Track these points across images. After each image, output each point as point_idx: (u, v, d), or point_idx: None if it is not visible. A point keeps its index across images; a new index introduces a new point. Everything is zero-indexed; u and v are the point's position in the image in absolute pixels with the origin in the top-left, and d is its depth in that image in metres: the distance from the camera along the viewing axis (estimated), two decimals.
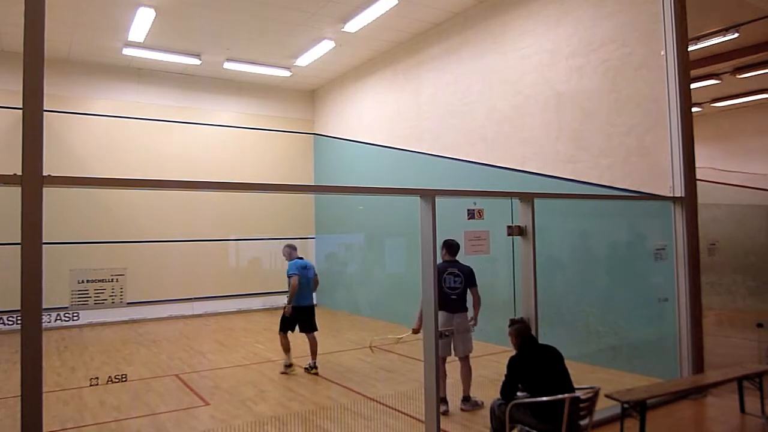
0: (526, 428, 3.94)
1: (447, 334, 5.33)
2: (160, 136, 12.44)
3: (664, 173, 6.18)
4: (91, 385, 6.61)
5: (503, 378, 4.02)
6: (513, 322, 4.36)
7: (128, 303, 3.35)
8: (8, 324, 10.10)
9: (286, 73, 12.53)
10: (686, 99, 6.07)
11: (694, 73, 7.53)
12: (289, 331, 7.18)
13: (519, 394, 4.04)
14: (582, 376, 4.70)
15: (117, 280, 3.27)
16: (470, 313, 5.62)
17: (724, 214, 9.84)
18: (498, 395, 4.05)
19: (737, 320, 9.59)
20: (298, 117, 14.26)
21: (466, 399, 5.55)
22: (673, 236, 6.04)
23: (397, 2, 8.75)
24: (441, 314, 5.18)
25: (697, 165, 6.15)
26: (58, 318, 10.66)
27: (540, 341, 4.37)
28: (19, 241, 2.69)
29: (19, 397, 2.67)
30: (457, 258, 5.60)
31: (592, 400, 3.86)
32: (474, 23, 9.17)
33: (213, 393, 6.36)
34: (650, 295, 6.59)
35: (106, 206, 11.59)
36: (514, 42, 8.38)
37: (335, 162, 13.48)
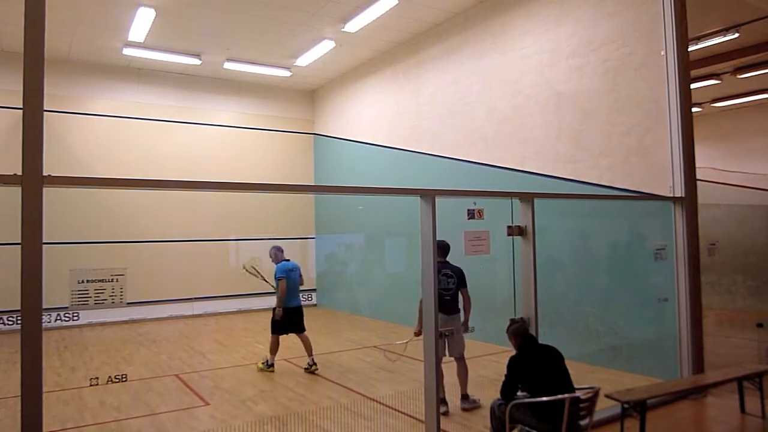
0: (526, 428, 3.94)
1: (447, 334, 5.34)
2: (160, 136, 12.44)
3: (664, 173, 6.18)
4: (91, 385, 6.61)
5: (503, 378, 4.02)
6: (513, 322, 4.36)
7: (128, 303, 3.35)
8: (8, 324, 10.10)
9: (286, 73, 12.53)
10: (686, 99, 6.07)
11: (694, 73, 7.53)
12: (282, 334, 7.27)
13: (519, 394, 4.04)
14: (582, 376, 4.70)
15: (117, 280, 3.27)
16: (462, 316, 5.63)
17: (724, 214, 9.84)
18: (498, 395, 4.05)
19: (737, 320, 9.59)
20: (298, 117, 14.26)
21: (465, 397, 5.57)
22: (673, 236, 6.04)
23: (397, 2, 8.75)
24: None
25: (697, 165, 6.15)
26: (58, 318, 10.67)
27: (540, 341, 4.36)
28: (19, 241, 2.69)
29: (19, 397, 2.67)
30: (448, 259, 5.62)
31: (592, 400, 3.86)
32: (474, 23, 9.17)
33: (213, 393, 6.36)
34: (650, 295, 6.59)
35: (106, 206, 11.59)
36: (514, 42, 8.38)
37: (335, 162, 13.48)
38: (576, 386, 3.96)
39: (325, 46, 10.76)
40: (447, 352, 5.50)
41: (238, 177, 12.04)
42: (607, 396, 4.32)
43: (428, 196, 4.21)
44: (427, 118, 10.26)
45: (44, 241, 2.73)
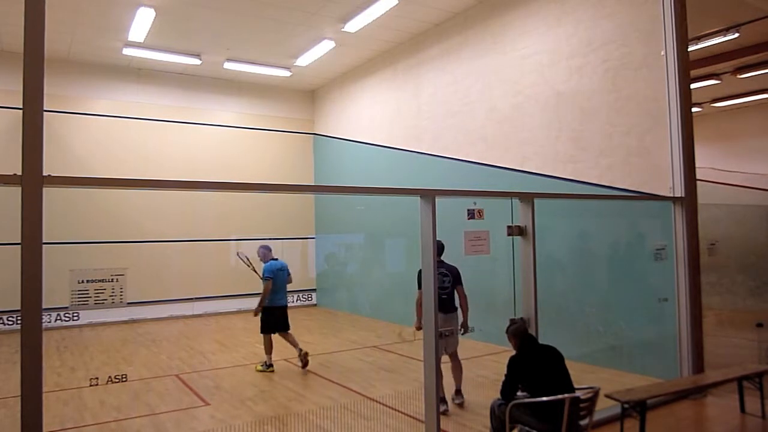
0: (526, 428, 3.94)
1: (447, 334, 5.34)
2: (160, 136, 12.44)
3: (664, 173, 6.18)
4: (91, 385, 6.61)
5: (503, 378, 4.02)
6: (512, 322, 4.36)
7: (128, 303, 3.35)
8: (8, 324, 10.10)
9: (286, 73, 12.53)
10: (686, 99, 6.07)
11: (694, 73, 7.52)
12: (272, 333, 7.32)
13: (519, 394, 4.04)
14: (582, 376, 4.70)
15: (117, 280, 3.27)
16: (460, 316, 5.66)
17: (724, 214, 9.84)
18: (498, 395, 4.05)
19: (737, 320, 9.59)
20: (298, 117, 14.26)
21: (458, 392, 5.62)
22: (673, 236, 6.04)
23: (397, 2, 8.75)
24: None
25: (697, 165, 6.15)
26: (58, 318, 10.67)
27: (540, 341, 4.36)
28: (19, 241, 2.69)
29: (19, 397, 2.67)
30: (443, 258, 5.65)
31: (592, 400, 3.86)
32: (474, 23, 9.17)
33: (213, 393, 6.36)
34: (650, 295, 6.59)
35: (106, 206, 11.59)
36: (514, 42, 8.38)
37: (335, 162, 13.48)
38: (576, 386, 3.96)
39: (325, 46, 10.76)
40: (443, 350, 5.52)
41: (238, 177, 12.04)
42: (607, 396, 4.32)
43: (428, 196, 4.21)
44: (427, 118, 10.26)
45: (44, 241, 2.73)
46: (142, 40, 10.34)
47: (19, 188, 2.70)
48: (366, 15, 9.20)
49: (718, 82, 12.14)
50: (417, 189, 4.28)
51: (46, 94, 2.76)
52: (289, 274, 7.54)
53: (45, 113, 2.78)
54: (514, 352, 4.17)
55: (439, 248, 5.60)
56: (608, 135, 6.98)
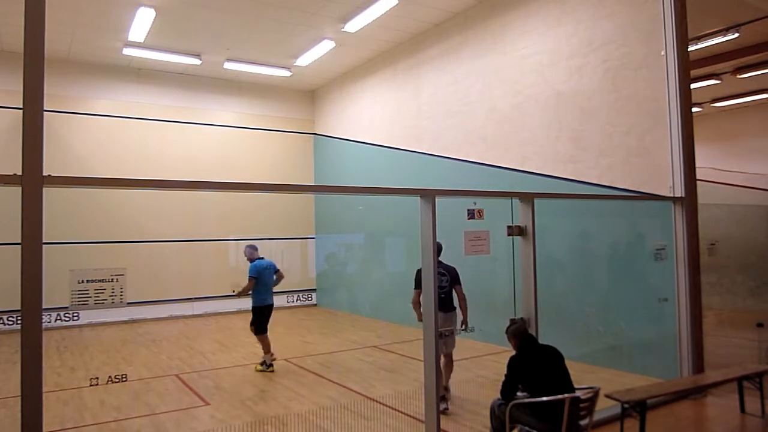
0: (526, 428, 3.94)
1: (446, 334, 5.34)
2: (161, 136, 12.44)
3: (664, 173, 6.18)
4: (91, 385, 6.61)
5: (503, 378, 4.02)
6: (512, 322, 4.36)
7: (128, 303, 3.35)
8: (8, 324, 10.10)
9: (286, 73, 12.53)
10: (686, 99, 6.07)
11: (694, 73, 7.53)
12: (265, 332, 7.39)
13: (519, 394, 4.04)
14: (582, 376, 4.70)
15: (117, 280, 3.27)
16: (459, 315, 5.68)
17: (724, 214, 9.85)
18: (498, 395, 4.05)
19: (737, 320, 9.59)
20: (298, 117, 14.26)
21: (446, 389, 5.63)
22: (673, 236, 6.04)
23: (397, 2, 8.75)
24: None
25: (697, 165, 6.15)
26: (58, 318, 10.67)
27: (540, 341, 4.36)
28: (19, 241, 2.69)
29: (19, 397, 2.67)
30: (441, 258, 5.65)
31: (592, 400, 3.86)
32: (474, 23, 9.17)
33: (213, 393, 6.36)
34: (650, 295, 6.59)
35: (106, 206, 11.59)
36: (514, 42, 8.38)
37: (335, 162, 13.48)
38: (576, 386, 3.96)
39: (325, 46, 10.76)
40: (442, 349, 5.54)
41: (238, 177, 12.04)
42: (607, 396, 4.32)
43: (428, 196, 4.21)
44: (427, 118, 10.26)
45: (44, 241, 2.73)
46: (142, 40, 10.34)
47: (19, 188, 2.70)
48: (366, 15, 9.20)
49: (718, 82, 12.14)
50: (417, 189, 4.28)
51: (46, 94, 2.76)
52: (277, 271, 7.56)
53: (45, 113, 2.78)
54: (514, 352, 4.17)
55: (437, 248, 5.61)
56: (608, 135, 6.98)
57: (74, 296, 3.16)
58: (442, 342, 5.45)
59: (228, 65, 11.97)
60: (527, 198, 4.90)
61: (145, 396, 6.28)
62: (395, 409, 5.63)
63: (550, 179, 7.70)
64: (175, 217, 12.11)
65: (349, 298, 12.89)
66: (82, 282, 3.18)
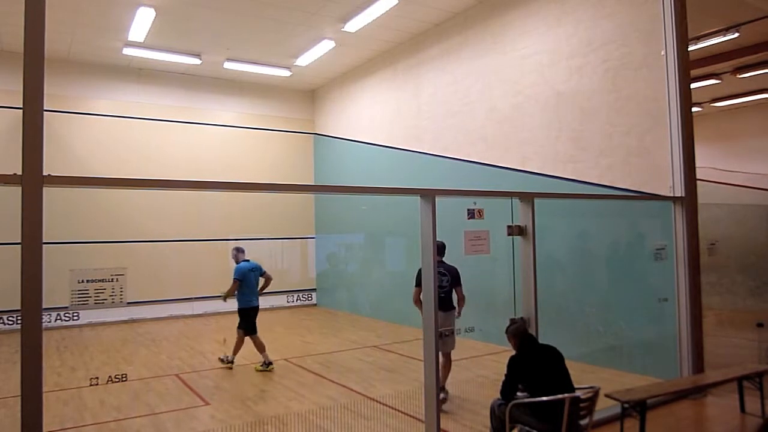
0: (526, 428, 3.94)
1: (447, 334, 5.34)
2: (161, 136, 12.44)
3: (664, 173, 6.18)
4: (91, 385, 6.61)
5: (503, 378, 4.02)
6: (512, 322, 4.36)
7: (128, 303, 3.35)
8: (8, 324, 10.10)
9: (286, 73, 12.53)
10: (686, 99, 6.07)
11: (694, 73, 7.52)
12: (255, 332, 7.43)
13: (519, 394, 4.04)
14: (582, 376, 4.70)
15: (117, 280, 3.27)
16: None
17: (724, 214, 9.85)
18: (498, 395, 4.05)
19: (737, 320, 9.60)
20: (298, 117, 14.26)
21: (443, 389, 5.64)
22: (673, 236, 6.03)
23: (397, 2, 8.75)
24: None
25: (697, 165, 6.15)
26: (58, 318, 10.66)
27: (540, 341, 4.36)
28: (19, 241, 2.69)
29: (19, 397, 2.67)
30: (444, 258, 5.70)
31: (592, 399, 3.86)
32: (474, 23, 9.17)
33: (213, 393, 6.36)
34: (650, 295, 6.58)
35: (106, 206, 11.59)
36: (514, 42, 8.38)
37: (335, 162, 13.48)
38: (576, 386, 3.96)
39: (325, 46, 10.76)
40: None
41: (239, 177, 12.04)
42: (607, 396, 4.32)
43: (428, 196, 4.21)
44: (427, 118, 10.26)
45: (44, 241, 2.73)
46: (142, 40, 10.34)
47: (19, 188, 2.70)
48: (366, 15, 9.20)
49: (718, 82, 12.14)
50: (417, 189, 4.28)
51: (46, 94, 2.76)
52: (264, 274, 7.59)
53: (45, 113, 2.78)
54: (514, 352, 4.17)
55: (441, 248, 5.64)
56: (608, 135, 6.98)
57: (74, 296, 3.16)
58: (441, 342, 5.46)
59: (228, 65, 11.97)
60: (527, 198, 4.90)
61: (145, 396, 6.28)
62: (395, 409, 5.63)
63: (550, 179, 7.70)
64: (175, 217, 12.11)
65: (349, 297, 12.90)
66: (82, 282, 3.19)
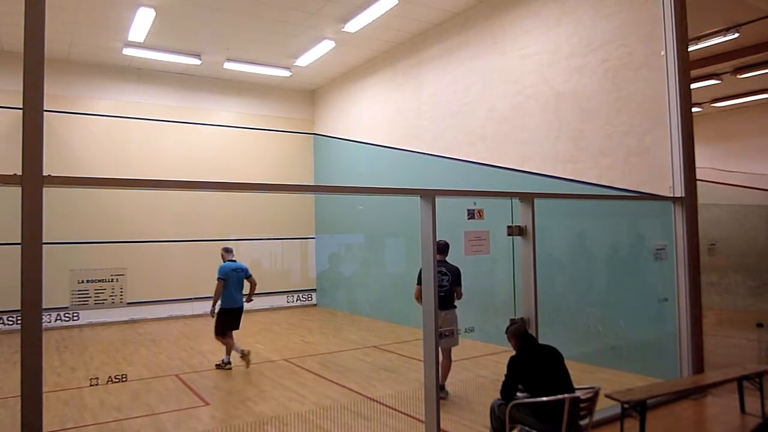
0: (526, 428, 3.94)
1: (447, 334, 5.34)
2: (161, 136, 12.44)
3: (664, 173, 6.18)
4: (91, 385, 6.61)
5: (503, 378, 4.02)
6: (512, 322, 4.36)
7: (128, 303, 3.35)
8: (8, 324, 10.10)
9: (286, 73, 12.53)
10: (686, 99, 6.07)
11: (694, 73, 7.52)
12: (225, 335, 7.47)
13: (519, 394, 4.04)
14: (582, 376, 4.70)
15: (117, 280, 3.27)
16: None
17: (724, 214, 9.85)
18: (498, 395, 4.05)
19: (737, 320, 9.59)
20: (298, 117, 14.26)
21: (442, 388, 5.64)
22: (673, 236, 6.03)
23: (397, 2, 8.75)
24: None
25: (697, 165, 6.15)
26: (58, 318, 10.66)
27: (540, 341, 4.36)
28: (19, 241, 2.69)
29: (19, 397, 2.67)
30: (447, 258, 5.73)
31: (592, 400, 3.86)
32: (474, 23, 9.17)
33: (213, 393, 6.37)
34: (650, 295, 6.58)
35: (106, 206, 11.59)
36: (514, 42, 8.38)
37: (335, 162, 13.48)
38: (576, 386, 3.96)
39: (325, 46, 10.76)
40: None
41: (238, 177, 12.04)
42: (607, 396, 4.32)
43: (428, 196, 4.21)
44: (427, 118, 10.26)
45: (44, 241, 2.72)
46: (142, 40, 10.34)
47: (19, 188, 2.70)
48: (366, 15, 9.20)
49: (718, 82, 12.13)
50: (417, 189, 4.28)
51: (46, 94, 2.76)
52: (249, 277, 7.57)
53: (45, 113, 2.78)
54: (514, 352, 4.17)
55: (444, 248, 5.65)
56: (608, 135, 6.98)
57: (74, 296, 3.16)
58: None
59: (228, 65, 11.97)
60: (527, 198, 4.89)
61: (145, 396, 6.28)
62: (395, 409, 5.63)
63: (550, 179, 7.70)
64: (175, 217, 12.10)
65: (349, 298, 12.90)
66: (82, 282, 3.19)
